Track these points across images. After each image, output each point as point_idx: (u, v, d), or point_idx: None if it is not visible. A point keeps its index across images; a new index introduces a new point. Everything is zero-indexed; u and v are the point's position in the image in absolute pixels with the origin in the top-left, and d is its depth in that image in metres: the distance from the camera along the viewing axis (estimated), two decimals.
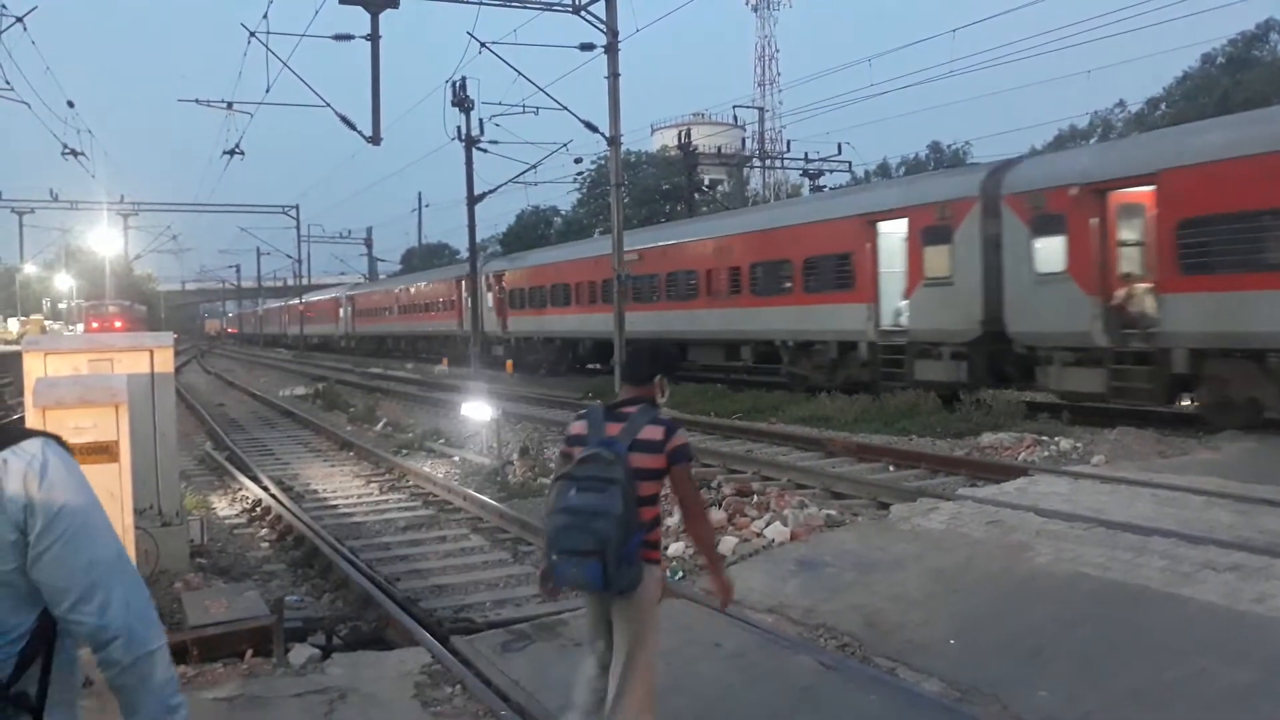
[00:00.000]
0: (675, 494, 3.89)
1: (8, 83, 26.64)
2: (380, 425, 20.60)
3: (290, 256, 69.65)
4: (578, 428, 3.90)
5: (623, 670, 3.81)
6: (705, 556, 4.21)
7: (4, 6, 23.84)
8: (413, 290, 49.04)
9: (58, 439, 1.72)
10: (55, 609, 1.65)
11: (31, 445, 1.66)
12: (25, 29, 24.41)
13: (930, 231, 17.15)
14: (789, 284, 21.10)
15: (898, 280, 18.26)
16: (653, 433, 3.77)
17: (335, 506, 12.01)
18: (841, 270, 19.36)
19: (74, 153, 35.15)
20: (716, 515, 9.83)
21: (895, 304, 18.46)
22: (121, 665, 1.68)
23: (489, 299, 37.05)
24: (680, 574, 8.18)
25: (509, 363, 32.58)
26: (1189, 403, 14.88)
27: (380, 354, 52.91)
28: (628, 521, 3.58)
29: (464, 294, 38.55)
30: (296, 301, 70.07)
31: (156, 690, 1.71)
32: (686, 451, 3.83)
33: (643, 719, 3.81)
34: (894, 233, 18.25)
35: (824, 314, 19.85)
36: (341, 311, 62.40)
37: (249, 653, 5.95)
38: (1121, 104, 50.40)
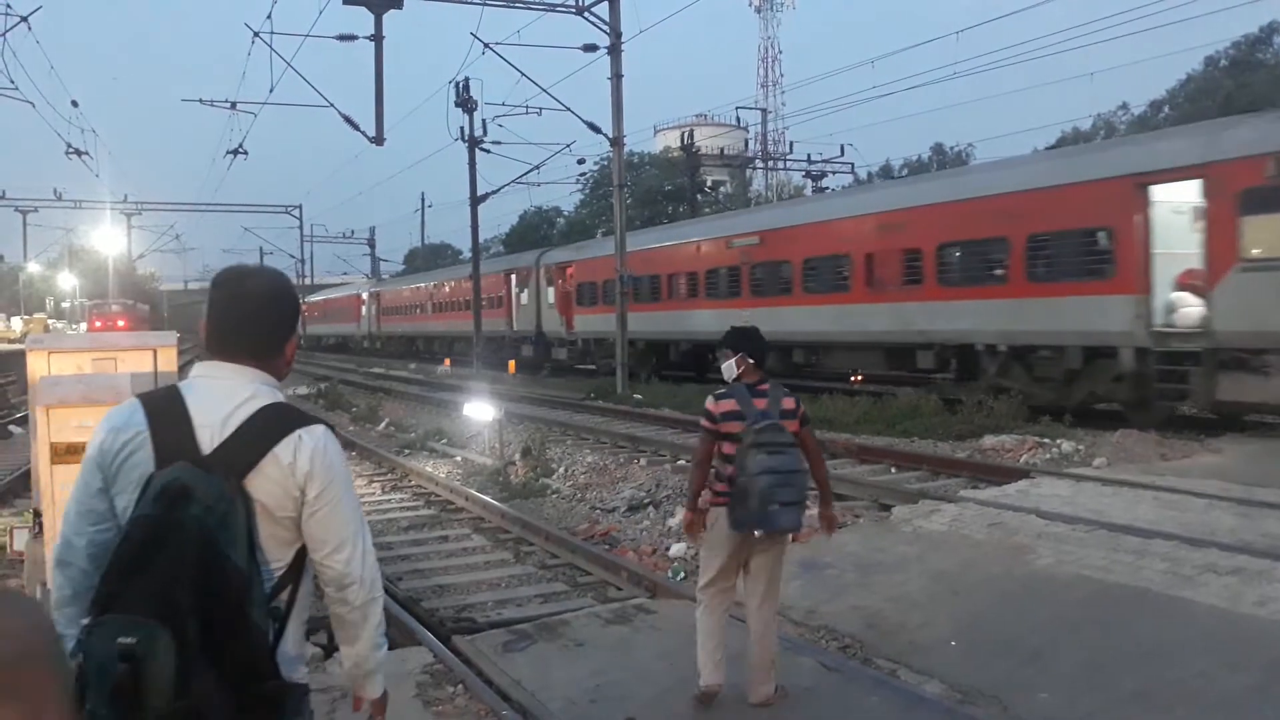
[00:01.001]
0: (805, 447, 4.75)
1: (12, 82, 26.78)
2: (383, 425, 20.63)
3: (293, 256, 69.67)
4: (728, 405, 4.67)
5: (766, 589, 4.84)
6: (823, 492, 5.08)
7: (8, 6, 23.94)
8: (449, 287, 43.01)
9: (332, 427, 2.21)
10: (314, 554, 2.12)
11: (318, 429, 2.13)
12: (30, 28, 24.49)
13: (1257, 195, 12.53)
14: (1001, 270, 16.32)
15: (1175, 264, 13.85)
16: (789, 403, 4.74)
17: None
18: (1090, 250, 14.80)
19: (78, 152, 35.25)
20: None
21: (1170, 296, 13.97)
22: (353, 605, 2.16)
23: (549, 294, 32.57)
24: (682, 575, 8.19)
25: (511, 363, 32.46)
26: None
27: (409, 356, 47.70)
28: (804, 474, 4.63)
29: (516, 288, 35.28)
30: (312, 298, 67.56)
31: (374, 629, 2.22)
32: (808, 415, 4.89)
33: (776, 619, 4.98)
34: (1174, 200, 13.92)
35: (1059, 310, 15.09)
36: (364, 309, 57.34)
37: None
38: (1124, 106, 50.44)
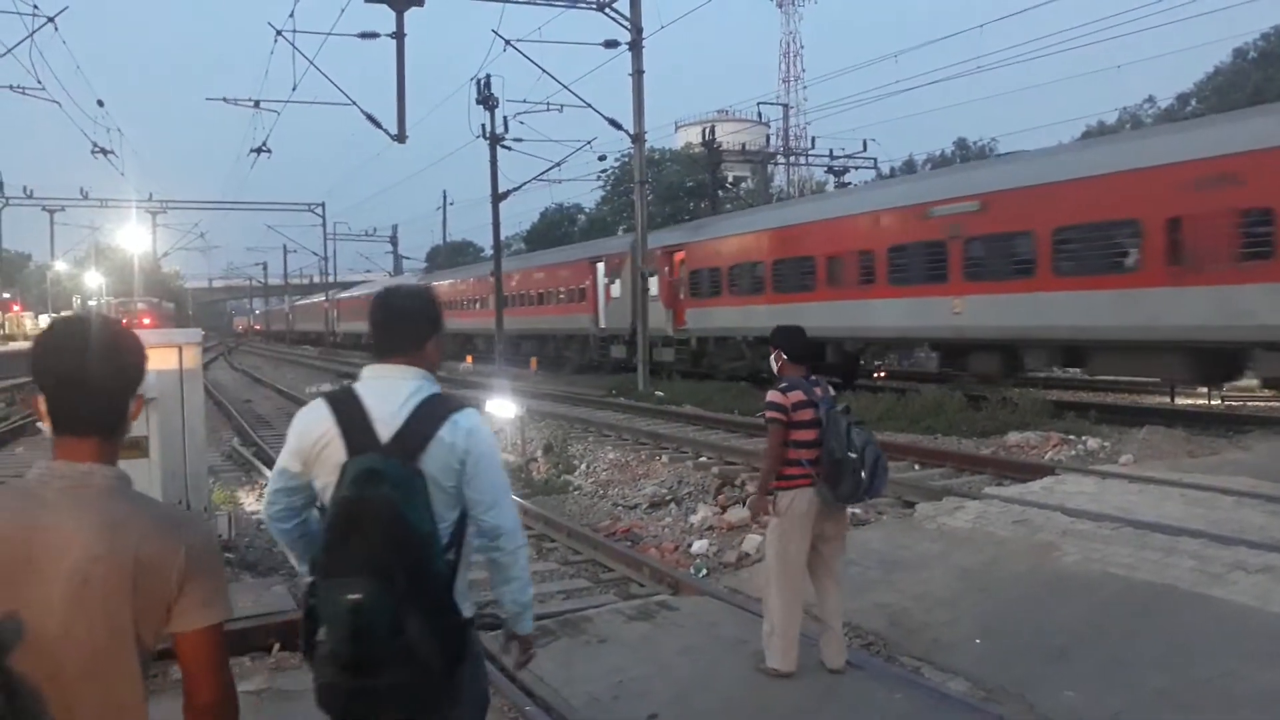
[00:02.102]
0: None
1: (39, 82, 27.05)
2: None
3: (316, 254, 70.12)
4: (797, 395, 5.09)
5: (840, 559, 5.35)
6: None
7: (35, 7, 24.13)
8: (515, 280, 36.71)
9: (479, 410, 2.71)
10: (472, 511, 2.62)
11: (470, 412, 2.64)
12: (56, 29, 24.71)
13: None
14: None
15: None
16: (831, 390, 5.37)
17: None
18: None
19: (104, 151, 35.58)
20: (741, 513, 9.81)
21: None
22: (506, 551, 2.67)
23: (651, 285, 26.26)
24: (704, 571, 8.18)
25: (533, 360, 32.39)
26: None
27: (460, 357, 41.44)
28: None
29: (605, 278, 29.95)
30: (333, 297, 66.37)
31: (522, 569, 2.76)
32: None
33: None
34: None
35: None
36: None
37: (276, 646, 6.00)
38: (1151, 99, 49.83)
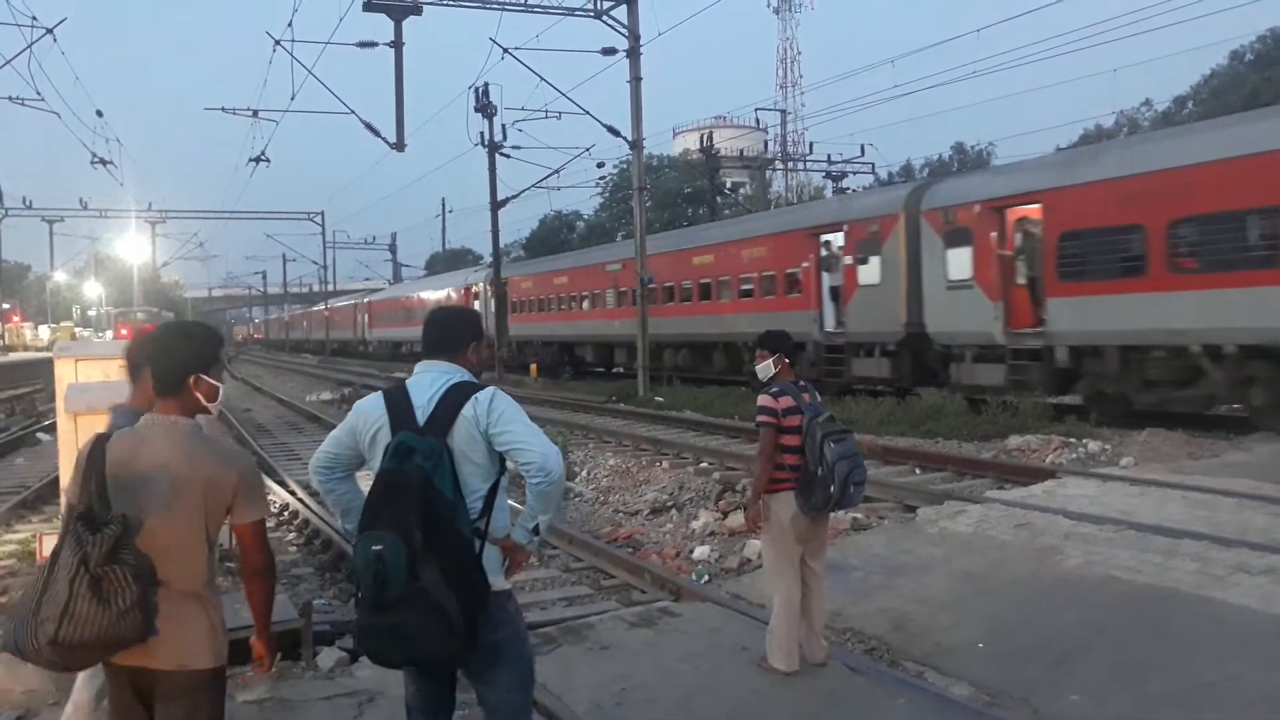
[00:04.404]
0: None
1: (38, 93, 27.21)
2: None
3: (315, 262, 70.16)
4: (787, 401, 5.14)
5: (823, 559, 5.51)
6: None
7: (34, 18, 24.18)
8: (697, 261, 25.66)
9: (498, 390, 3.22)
10: (517, 460, 3.08)
11: (488, 389, 3.15)
12: (55, 40, 24.76)
13: None
14: None
15: None
16: (820, 397, 5.35)
17: None
18: None
19: (103, 161, 35.64)
20: (742, 519, 9.79)
21: None
22: (552, 482, 3.08)
23: (947, 262, 17.33)
24: (706, 577, 8.17)
25: (533, 366, 32.23)
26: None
27: (582, 372, 33.02)
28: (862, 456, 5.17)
29: (853, 256, 19.79)
30: (373, 297, 61.92)
31: (559, 498, 3.22)
32: None
33: None
34: None
35: None
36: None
37: (278, 656, 5.99)
38: (1148, 103, 49.91)
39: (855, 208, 20.75)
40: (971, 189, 17.63)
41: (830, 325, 20.69)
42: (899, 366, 18.80)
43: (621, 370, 29.41)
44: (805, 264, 21.17)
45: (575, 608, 7.47)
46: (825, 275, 20.85)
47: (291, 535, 10.82)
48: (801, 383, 5.31)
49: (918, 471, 12.25)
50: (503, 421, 3.08)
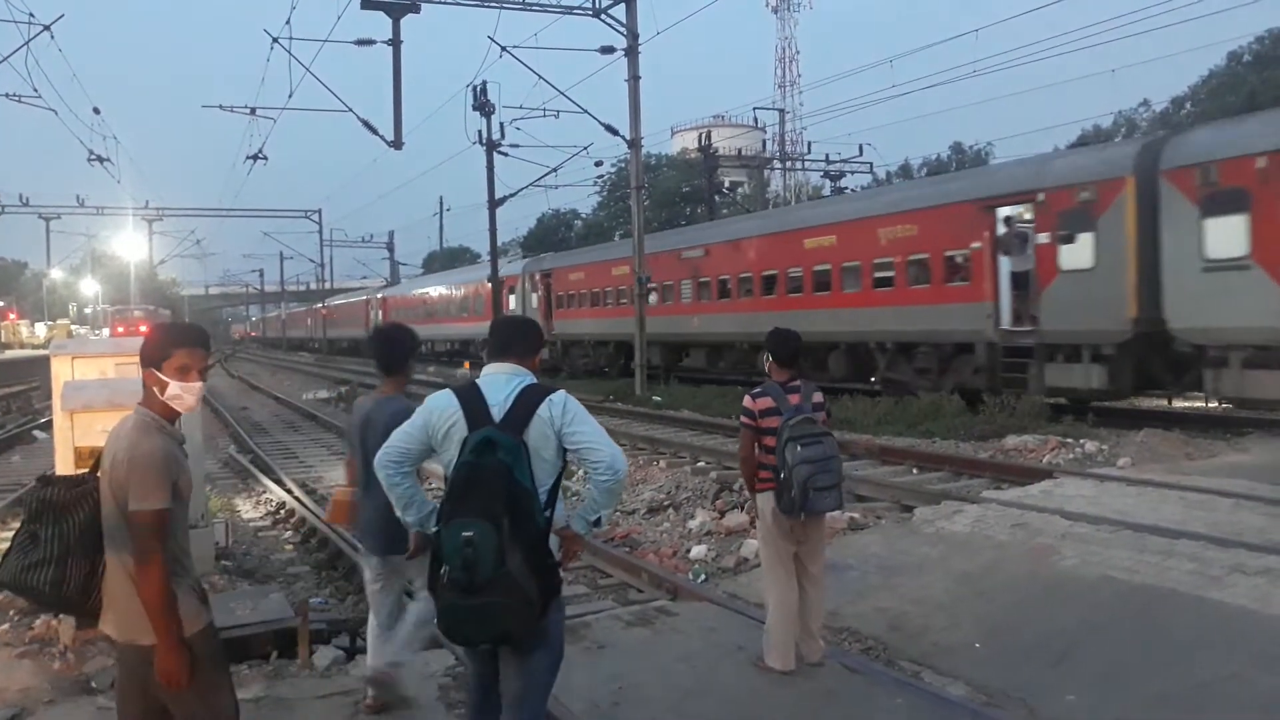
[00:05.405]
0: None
1: (35, 90, 27.00)
2: None
3: (313, 261, 70.07)
4: (765, 402, 5.19)
5: (818, 560, 5.44)
6: None
7: (31, 15, 24.09)
8: (810, 244, 21.10)
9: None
10: (586, 460, 3.34)
11: (560, 392, 3.39)
12: (53, 37, 24.67)
13: None
14: None
15: None
16: (818, 398, 5.32)
17: None
18: None
19: (100, 159, 35.54)
20: (739, 518, 9.80)
21: None
22: (616, 480, 3.35)
23: (1221, 233, 13.14)
24: (703, 577, 8.16)
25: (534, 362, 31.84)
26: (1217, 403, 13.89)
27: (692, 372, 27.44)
28: (839, 460, 5.15)
29: (1048, 235, 15.46)
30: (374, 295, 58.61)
31: (619, 496, 3.70)
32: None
33: None
34: None
35: None
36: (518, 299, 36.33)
37: (274, 654, 5.98)
38: (1146, 103, 49.97)
39: (1055, 172, 15.89)
40: (1246, 138, 13.32)
41: (1010, 321, 16.36)
42: (1119, 374, 14.47)
43: (741, 381, 24.10)
44: (976, 244, 16.69)
45: (572, 607, 7.42)
46: (1003, 259, 16.45)
47: (288, 534, 10.80)
48: (795, 383, 5.28)
49: (915, 471, 12.25)
50: (575, 422, 3.33)
